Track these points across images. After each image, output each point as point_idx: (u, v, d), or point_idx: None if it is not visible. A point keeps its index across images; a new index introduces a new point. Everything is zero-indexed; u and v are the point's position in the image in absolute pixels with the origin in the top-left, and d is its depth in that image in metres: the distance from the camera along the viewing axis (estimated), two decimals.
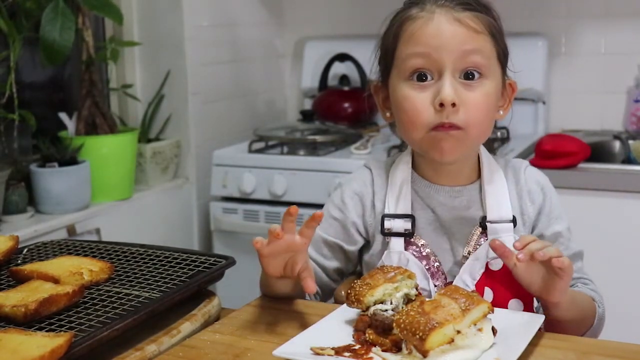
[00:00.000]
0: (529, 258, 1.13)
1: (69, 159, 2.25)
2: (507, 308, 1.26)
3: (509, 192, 1.33)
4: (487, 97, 1.25)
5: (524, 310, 1.27)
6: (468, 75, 1.23)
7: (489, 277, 1.28)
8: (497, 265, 1.27)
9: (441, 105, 1.21)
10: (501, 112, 1.33)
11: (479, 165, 1.35)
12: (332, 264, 1.39)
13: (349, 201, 1.38)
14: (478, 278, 1.28)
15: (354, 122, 2.89)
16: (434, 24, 1.23)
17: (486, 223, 1.30)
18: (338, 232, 1.38)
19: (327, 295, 1.40)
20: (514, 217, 1.31)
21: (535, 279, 1.18)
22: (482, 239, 1.30)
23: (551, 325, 1.22)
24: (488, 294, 1.27)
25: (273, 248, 1.17)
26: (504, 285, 1.27)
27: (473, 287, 1.27)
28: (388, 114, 1.35)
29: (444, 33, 1.22)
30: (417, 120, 1.24)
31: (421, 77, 1.24)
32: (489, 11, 1.28)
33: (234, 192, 2.62)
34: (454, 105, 1.21)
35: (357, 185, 1.39)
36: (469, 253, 1.30)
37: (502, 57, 1.29)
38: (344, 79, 3.00)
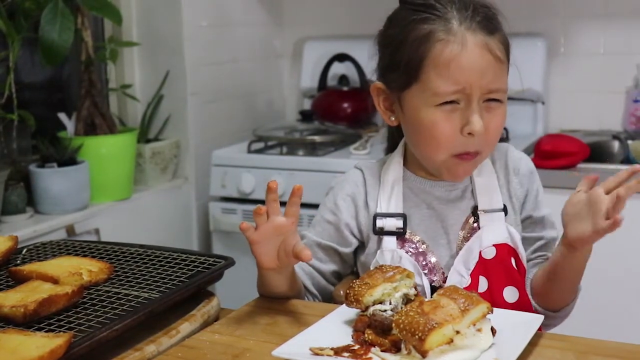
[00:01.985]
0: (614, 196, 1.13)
1: (68, 159, 2.25)
2: (502, 296, 1.28)
3: (498, 178, 1.35)
4: (504, 119, 1.27)
5: (519, 296, 1.29)
6: (490, 101, 1.24)
7: (482, 266, 1.29)
8: (490, 253, 1.29)
9: (469, 134, 1.23)
10: None
11: None
12: (329, 267, 1.39)
13: (341, 203, 1.38)
14: (472, 267, 1.29)
15: (353, 123, 2.89)
16: (467, 54, 1.21)
17: (478, 212, 1.32)
18: (332, 235, 1.38)
19: (326, 299, 1.40)
20: (504, 205, 1.33)
21: (579, 214, 1.18)
22: (474, 227, 1.32)
23: (546, 294, 1.25)
24: (483, 282, 1.28)
25: (262, 232, 1.18)
26: (498, 273, 1.29)
27: (468, 277, 1.28)
28: (392, 118, 1.34)
29: (478, 68, 1.21)
30: (444, 146, 1.25)
31: (451, 102, 1.23)
32: (500, 24, 1.27)
33: (233, 192, 2.62)
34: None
35: (349, 187, 1.39)
36: (462, 241, 1.32)
37: (509, 68, 1.30)
38: (343, 79, 3.00)
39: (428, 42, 1.23)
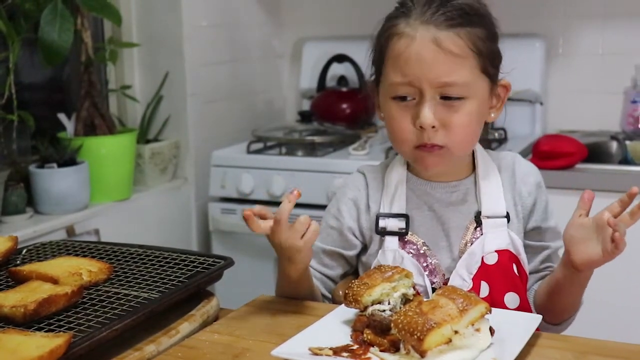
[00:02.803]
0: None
1: (68, 160, 2.25)
2: (503, 301, 1.28)
3: (503, 186, 1.35)
4: (469, 116, 1.26)
5: (520, 302, 1.29)
6: (447, 97, 1.24)
7: (484, 271, 1.29)
8: (492, 259, 1.29)
9: (421, 127, 1.24)
10: (492, 115, 1.33)
11: (473, 159, 1.37)
12: (336, 272, 1.41)
13: (343, 207, 1.39)
14: (474, 272, 1.29)
15: (352, 123, 2.89)
16: (415, 48, 1.23)
17: (481, 218, 1.32)
18: (336, 240, 1.39)
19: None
20: (507, 213, 1.32)
21: (586, 238, 1.19)
22: (477, 233, 1.32)
23: (548, 310, 1.25)
24: (484, 287, 1.28)
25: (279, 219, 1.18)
26: (499, 278, 1.29)
27: (470, 282, 1.28)
28: (382, 115, 1.36)
29: (424, 61, 1.23)
30: (402, 139, 1.28)
31: (403, 97, 1.26)
32: (479, 19, 1.26)
33: (232, 192, 2.62)
34: (433, 126, 1.24)
35: (351, 191, 1.40)
36: (464, 246, 1.31)
37: (491, 66, 1.28)
38: (342, 80, 3.00)
39: (388, 37, 1.28)
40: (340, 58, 2.96)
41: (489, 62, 1.27)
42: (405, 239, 1.33)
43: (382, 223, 1.34)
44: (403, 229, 1.33)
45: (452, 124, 1.24)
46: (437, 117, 1.24)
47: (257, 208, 1.19)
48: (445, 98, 1.24)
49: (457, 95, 1.24)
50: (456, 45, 1.23)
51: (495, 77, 1.30)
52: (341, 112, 2.91)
